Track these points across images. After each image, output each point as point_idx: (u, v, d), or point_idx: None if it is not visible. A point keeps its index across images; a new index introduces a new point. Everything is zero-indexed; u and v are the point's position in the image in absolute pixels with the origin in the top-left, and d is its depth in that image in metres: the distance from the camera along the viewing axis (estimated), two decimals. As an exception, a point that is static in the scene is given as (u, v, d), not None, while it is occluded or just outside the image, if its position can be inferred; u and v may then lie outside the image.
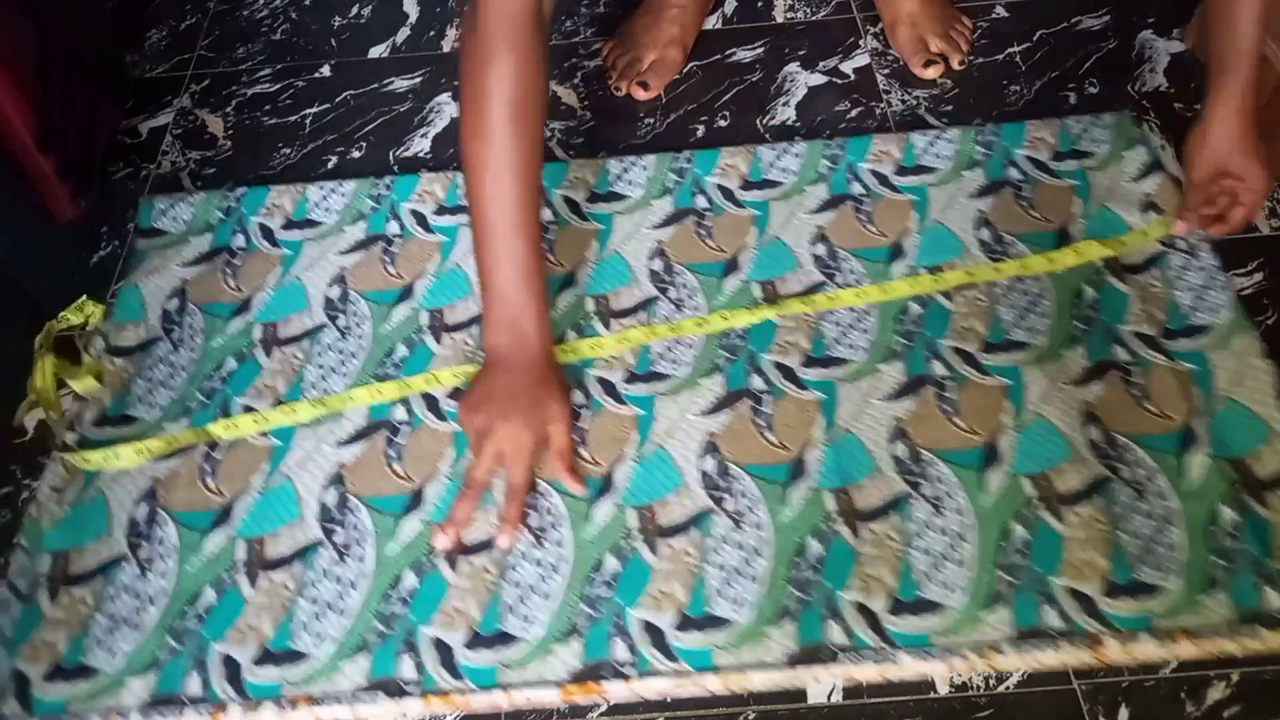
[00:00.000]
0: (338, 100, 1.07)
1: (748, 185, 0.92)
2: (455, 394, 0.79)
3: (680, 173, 0.93)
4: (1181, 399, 0.75)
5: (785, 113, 1.01)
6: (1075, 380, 0.77)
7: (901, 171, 0.91)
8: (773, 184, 0.92)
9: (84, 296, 0.86)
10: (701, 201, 0.90)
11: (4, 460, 0.79)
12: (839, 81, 1.04)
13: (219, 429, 0.77)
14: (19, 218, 0.86)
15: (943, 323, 0.80)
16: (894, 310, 0.81)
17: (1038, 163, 0.91)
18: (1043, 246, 0.85)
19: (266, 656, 0.67)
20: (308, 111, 1.06)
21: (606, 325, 0.82)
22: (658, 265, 0.86)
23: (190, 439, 0.77)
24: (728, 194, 0.91)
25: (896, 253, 0.85)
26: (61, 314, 0.85)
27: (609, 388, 0.78)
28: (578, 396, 0.78)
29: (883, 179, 0.91)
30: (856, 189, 0.90)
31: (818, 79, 1.04)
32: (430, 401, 0.79)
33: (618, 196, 0.91)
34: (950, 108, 1.00)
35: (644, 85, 1.02)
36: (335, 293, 0.86)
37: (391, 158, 1.00)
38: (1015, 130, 0.94)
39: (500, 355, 0.73)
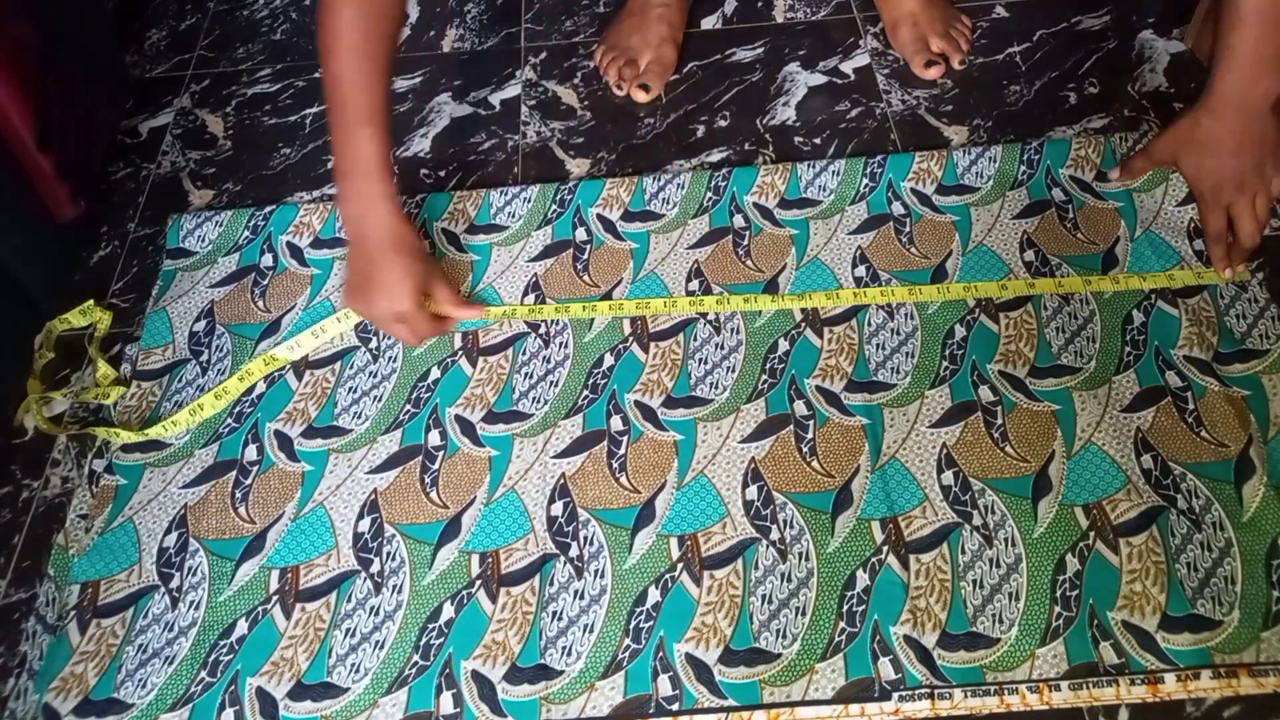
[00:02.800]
0: (337, 100, 1.06)
1: (786, 204, 0.90)
2: (485, 422, 0.77)
3: (718, 190, 0.91)
4: (1238, 426, 0.73)
5: (785, 113, 1.00)
6: (1127, 406, 0.75)
7: (943, 190, 0.90)
8: (811, 202, 0.90)
9: (90, 301, 0.85)
10: (740, 220, 0.89)
11: (4, 460, 0.78)
12: (839, 81, 1.03)
13: (261, 365, 0.80)
14: (19, 218, 0.85)
15: (989, 346, 0.79)
16: (940, 333, 0.80)
17: (1082, 183, 0.89)
18: (1089, 270, 0.83)
19: (302, 690, 0.65)
20: (308, 111, 1.05)
21: (645, 348, 0.80)
22: (695, 286, 0.84)
23: (253, 375, 0.80)
24: (766, 213, 0.89)
25: (939, 275, 0.84)
26: (63, 315, 0.84)
27: (648, 413, 0.77)
28: (617, 422, 0.77)
29: (924, 198, 0.89)
30: (897, 208, 0.89)
31: (818, 79, 1.04)
32: (466, 427, 0.77)
33: (653, 215, 0.90)
34: (950, 108, 0.99)
35: (645, 88, 1.02)
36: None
37: (391, 157, 0.98)
38: (1059, 147, 0.92)
39: (357, 229, 0.77)
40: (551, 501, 0.73)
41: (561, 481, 0.74)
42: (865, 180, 0.91)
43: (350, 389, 0.80)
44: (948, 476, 0.72)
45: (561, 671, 0.65)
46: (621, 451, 0.75)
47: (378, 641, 0.67)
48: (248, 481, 0.75)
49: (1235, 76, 0.77)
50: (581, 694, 0.64)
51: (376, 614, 0.68)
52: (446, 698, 0.65)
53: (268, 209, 0.93)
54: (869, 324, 0.81)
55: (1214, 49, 0.79)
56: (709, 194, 0.91)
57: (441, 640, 0.67)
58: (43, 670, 0.67)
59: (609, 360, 0.80)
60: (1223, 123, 0.80)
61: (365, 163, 0.75)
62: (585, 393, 0.78)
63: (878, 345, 0.80)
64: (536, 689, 0.65)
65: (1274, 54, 0.76)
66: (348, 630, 0.67)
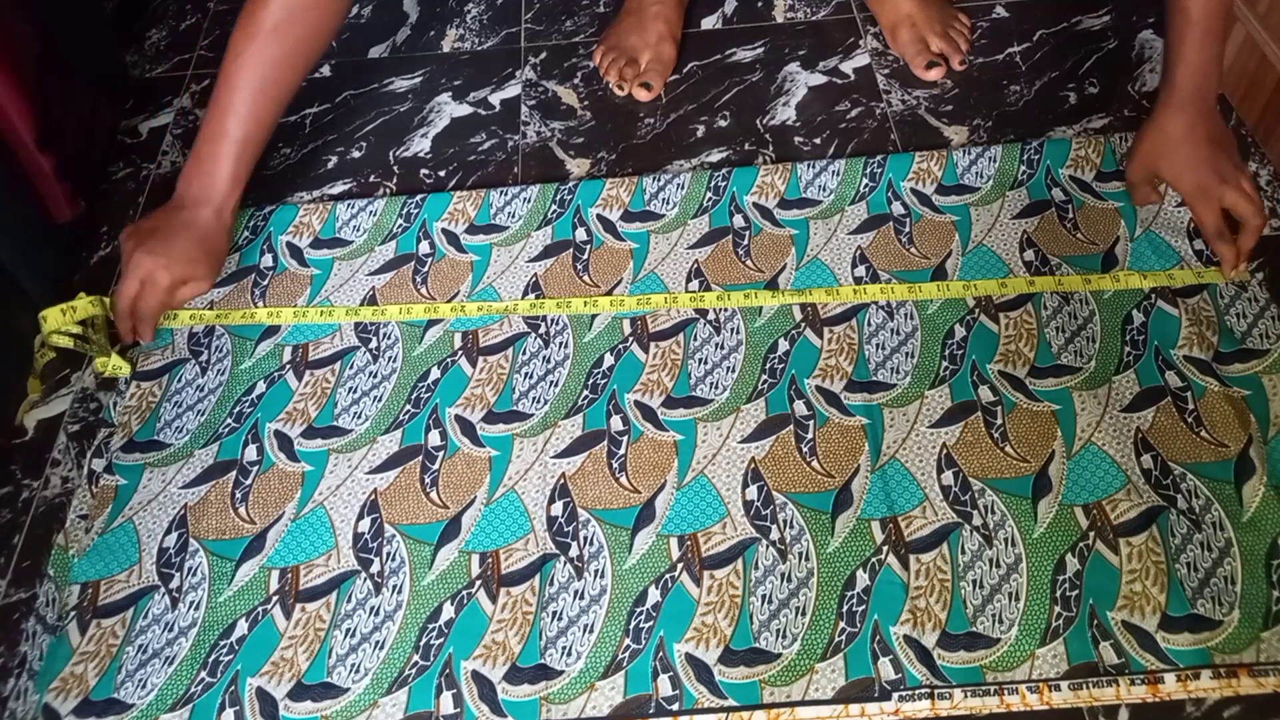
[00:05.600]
0: (338, 100, 1.06)
1: (786, 204, 0.90)
2: (485, 422, 0.77)
3: (718, 190, 0.91)
4: (1238, 426, 0.73)
5: (785, 113, 1.00)
6: (1127, 406, 0.75)
7: (943, 190, 0.90)
8: (811, 202, 0.90)
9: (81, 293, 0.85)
10: (740, 221, 0.89)
11: (4, 460, 0.78)
12: (839, 81, 1.03)
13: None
14: (19, 218, 0.85)
15: (989, 346, 0.79)
16: (939, 333, 0.80)
17: (1081, 183, 0.89)
18: (1089, 270, 0.83)
19: (302, 690, 0.65)
20: (308, 111, 1.05)
21: (645, 349, 0.80)
22: (695, 286, 0.84)
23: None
24: (766, 213, 0.89)
25: (939, 275, 0.84)
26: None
27: (648, 413, 0.77)
28: (617, 422, 0.76)
29: (923, 198, 0.89)
30: (897, 208, 0.89)
31: (818, 79, 1.04)
32: (466, 427, 0.77)
33: (653, 215, 0.90)
34: (950, 108, 0.99)
35: (646, 86, 1.02)
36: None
37: (392, 157, 0.99)
38: (1059, 147, 0.92)
39: (185, 200, 0.82)
40: (551, 501, 0.73)
41: (561, 481, 0.74)
42: (865, 180, 0.91)
43: (350, 389, 0.80)
44: (948, 476, 0.72)
45: (561, 671, 0.65)
46: (621, 451, 0.75)
47: (378, 642, 0.67)
48: (248, 482, 0.75)
49: (1192, 73, 0.81)
50: (581, 694, 0.64)
51: (376, 614, 0.68)
52: (446, 698, 0.65)
53: (267, 209, 0.93)
54: (869, 324, 0.81)
55: (1166, 52, 0.83)
56: (709, 194, 0.91)
57: (441, 640, 0.67)
58: (43, 670, 0.67)
59: (609, 360, 0.80)
60: (1185, 116, 0.82)
61: (230, 158, 0.82)
62: (585, 393, 0.78)
63: (878, 345, 0.80)
64: (536, 689, 0.65)
65: (1219, 55, 0.82)
66: (348, 630, 0.67)
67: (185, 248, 0.81)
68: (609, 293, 0.84)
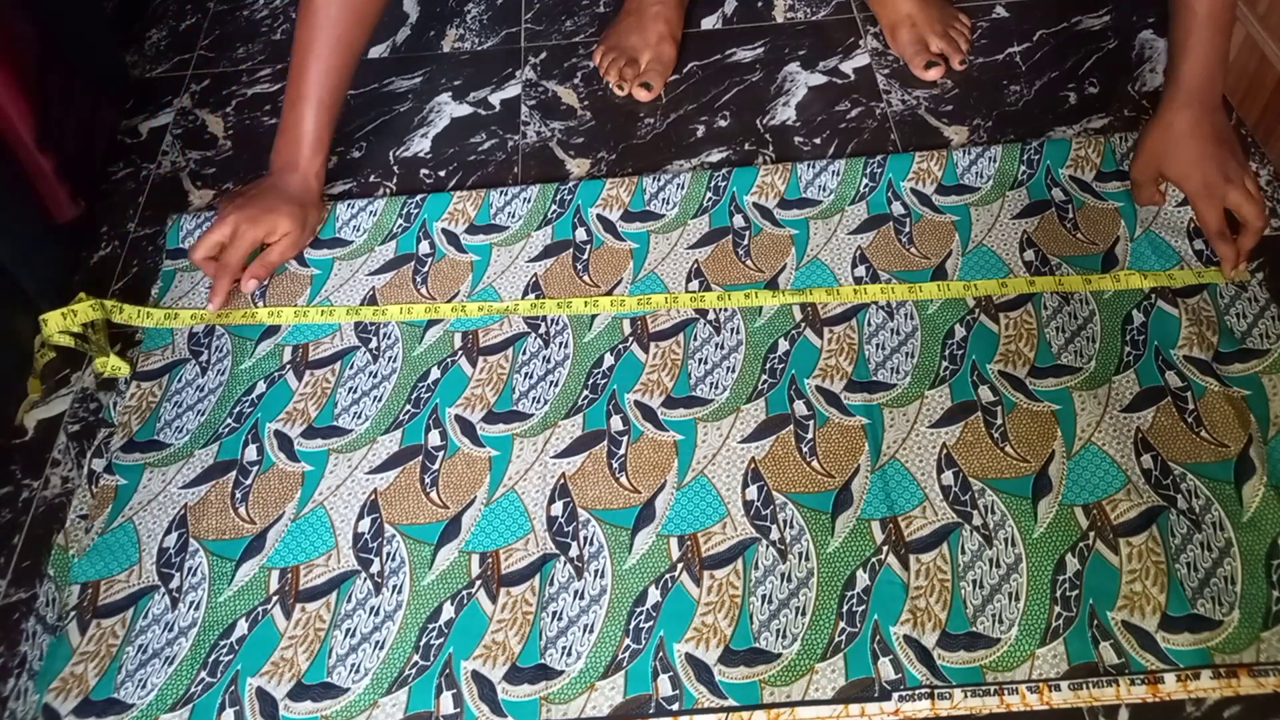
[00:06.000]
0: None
1: (786, 204, 0.90)
2: (485, 422, 0.77)
3: (718, 190, 0.91)
4: (1238, 426, 0.73)
5: (785, 113, 1.00)
6: (1127, 406, 0.75)
7: (943, 190, 0.90)
8: (811, 202, 0.90)
9: (81, 294, 0.85)
10: (740, 221, 0.89)
11: (4, 460, 0.78)
12: (839, 81, 1.03)
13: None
14: (19, 218, 0.85)
15: (989, 346, 0.79)
16: (940, 333, 0.80)
17: (1081, 183, 0.89)
18: (1089, 270, 0.83)
19: (302, 690, 0.65)
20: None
21: (645, 349, 0.80)
22: (695, 286, 0.84)
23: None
24: (766, 213, 0.89)
25: (939, 275, 0.84)
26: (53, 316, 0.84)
27: (648, 413, 0.77)
28: (617, 422, 0.76)
29: (923, 198, 0.89)
30: (897, 208, 0.89)
31: (818, 79, 1.04)
32: (466, 427, 0.77)
33: (653, 215, 0.90)
34: (950, 108, 0.99)
35: (646, 86, 1.02)
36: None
37: (392, 157, 0.99)
38: (1059, 147, 0.92)
39: (274, 169, 0.87)
40: (551, 501, 0.73)
41: (561, 481, 0.74)
42: (865, 180, 0.91)
43: (350, 389, 0.80)
44: (948, 476, 0.72)
45: (561, 671, 0.65)
46: (621, 451, 0.75)
47: (378, 642, 0.67)
48: (248, 482, 0.75)
49: (1198, 68, 0.80)
50: (581, 694, 0.64)
51: (376, 614, 0.68)
52: (446, 698, 0.65)
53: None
54: (869, 324, 0.81)
55: (1172, 48, 0.82)
56: (709, 194, 0.91)
57: (441, 640, 0.67)
58: (43, 670, 0.67)
59: (609, 360, 0.80)
60: (1191, 112, 0.81)
61: (313, 129, 0.85)
62: (585, 393, 0.78)
63: (878, 345, 0.80)
64: (536, 689, 0.65)
65: (1225, 51, 0.81)
66: (348, 630, 0.67)
67: (272, 203, 0.84)
68: (609, 293, 0.84)
